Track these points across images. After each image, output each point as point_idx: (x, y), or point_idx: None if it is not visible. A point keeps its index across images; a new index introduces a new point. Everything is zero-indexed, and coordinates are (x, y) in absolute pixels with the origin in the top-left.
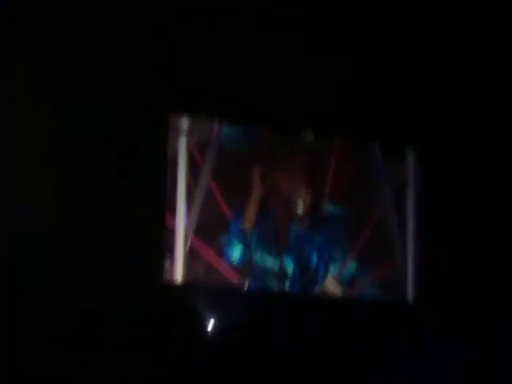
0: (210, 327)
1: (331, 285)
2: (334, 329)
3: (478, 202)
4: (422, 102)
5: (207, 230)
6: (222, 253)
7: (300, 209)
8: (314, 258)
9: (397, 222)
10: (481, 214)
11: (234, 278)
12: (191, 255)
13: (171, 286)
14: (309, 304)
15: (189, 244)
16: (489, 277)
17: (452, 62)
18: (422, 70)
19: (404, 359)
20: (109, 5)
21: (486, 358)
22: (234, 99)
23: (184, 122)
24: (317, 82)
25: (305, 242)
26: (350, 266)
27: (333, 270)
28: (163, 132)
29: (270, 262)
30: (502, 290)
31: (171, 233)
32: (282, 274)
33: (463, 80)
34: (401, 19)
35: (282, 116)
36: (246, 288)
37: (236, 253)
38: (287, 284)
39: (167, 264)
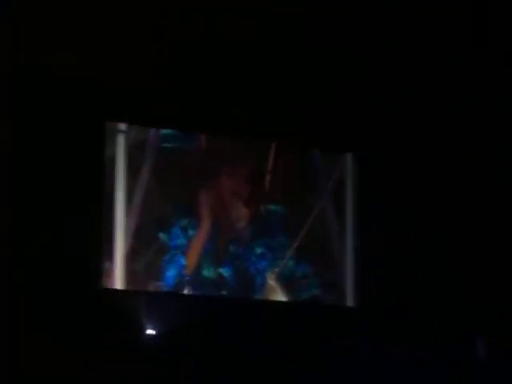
0: (148, 332)
1: (271, 281)
2: (273, 332)
3: (417, 200)
4: (361, 107)
5: (147, 231)
6: (162, 254)
7: (241, 223)
8: (253, 268)
9: (336, 221)
10: (420, 213)
11: None
12: (131, 256)
13: (111, 291)
14: (246, 308)
15: (128, 245)
16: (429, 275)
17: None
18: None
19: (344, 361)
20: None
21: (425, 359)
22: (172, 105)
23: (121, 124)
24: (261, 87)
25: (244, 255)
26: (290, 262)
27: (272, 266)
28: (100, 134)
29: (209, 273)
30: (444, 288)
31: (110, 235)
32: (219, 283)
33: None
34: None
35: (223, 120)
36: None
37: (172, 279)
38: (224, 292)
39: (106, 265)
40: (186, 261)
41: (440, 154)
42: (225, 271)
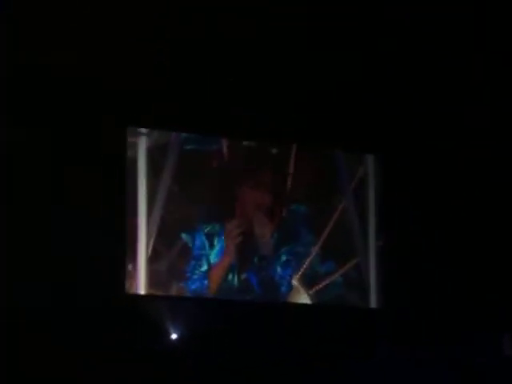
0: (173, 336)
1: (295, 282)
2: (299, 335)
3: (439, 202)
4: (383, 110)
5: (170, 232)
6: (185, 254)
7: (265, 238)
8: (277, 277)
9: (358, 220)
10: (442, 215)
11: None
12: (154, 257)
13: (134, 295)
14: (272, 312)
15: (151, 246)
16: (451, 277)
17: (408, 72)
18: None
19: (367, 363)
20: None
21: (446, 361)
22: (191, 111)
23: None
24: (279, 89)
25: (269, 266)
26: (315, 259)
27: (297, 269)
28: (122, 136)
29: (233, 280)
30: (466, 290)
31: (133, 235)
32: (243, 290)
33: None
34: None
35: (242, 125)
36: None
37: (195, 288)
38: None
39: (130, 267)
40: (209, 282)
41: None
42: (250, 277)
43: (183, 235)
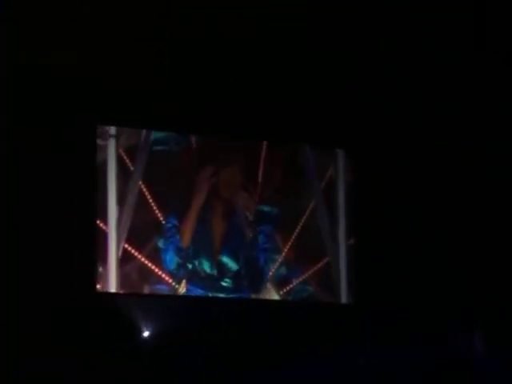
0: (145, 334)
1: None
2: (272, 331)
3: (408, 197)
4: (352, 104)
5: (140, 234)
6: (156, 257)
7: (248, 213)
8: (261, 258)
9: (327, 221)
10: (415, 211)
11: (169, 282)
12: (125, 259)
13: (105, 294)
14: (243, 308)
15: (122, 248)
16: (422, 273)
17: (381, 65)
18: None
19: (341, 359)
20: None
21: (420, 357)
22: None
23: (112, 127)
24: (248, 85)
25: (251, 244)
26: (283, 266)
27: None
28: (91, 137)
29: (207, 266)
30: (437, 286)
31: (104, 237)
32: (220, 276)
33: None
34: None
35: (213, 121)
36: (182, 292)
37: (172, 262)
38: (229, 284)
39: (101, 270)
40: (182, 236)
41: (439, 153)
42: (229, 261)
43: (155, 237)
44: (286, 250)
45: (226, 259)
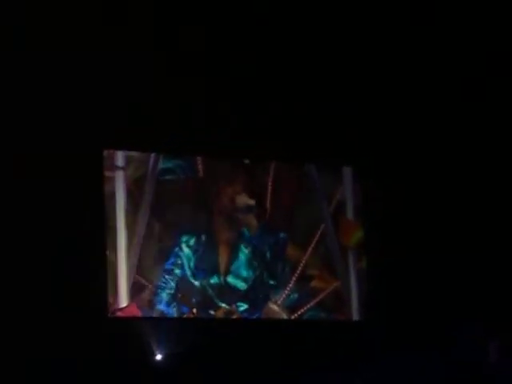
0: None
1: (275, 307)
2: (282, 350)
3: (417, 215)
4: (357, 123)
5: (149, 265)
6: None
7: (252, 229)
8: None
9: (337, 242)
10: (421, 228)
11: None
12: (134, 290)
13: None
14: (255, 328)
15: (132, 279)
16: (433, 291)
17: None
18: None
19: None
20: None
21: (431, 373)
22: (167, 131)
23: (119, 158)
24: (251, 106)
25: (258, 259)
26: (293, 293)
27: (277, 295)
28: (98, 167)
29: (215, 282)
30: (448, 306)
31: (114, 268)
32: (229, 293)
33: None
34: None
35: (219, 142)
36: (192, 315)
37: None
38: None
39: (111, 299)
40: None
41: (449, 169)
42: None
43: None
44: (296, 274)
45: (232, 280)
